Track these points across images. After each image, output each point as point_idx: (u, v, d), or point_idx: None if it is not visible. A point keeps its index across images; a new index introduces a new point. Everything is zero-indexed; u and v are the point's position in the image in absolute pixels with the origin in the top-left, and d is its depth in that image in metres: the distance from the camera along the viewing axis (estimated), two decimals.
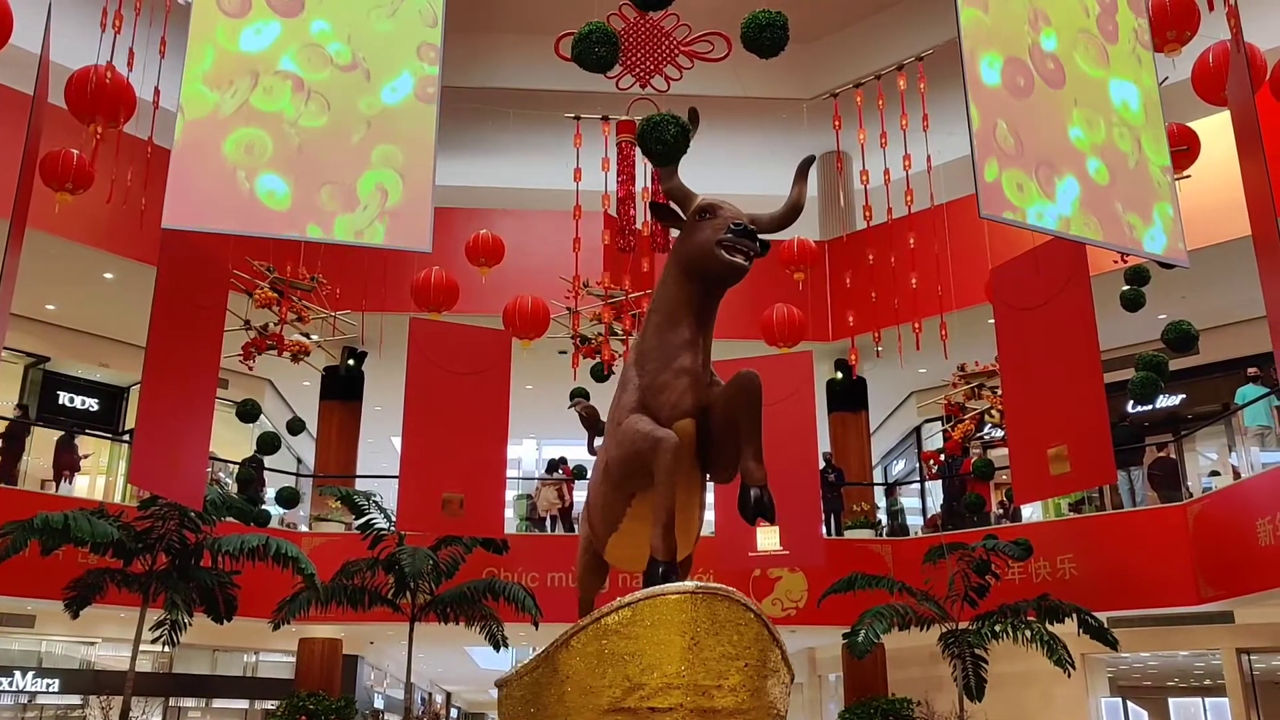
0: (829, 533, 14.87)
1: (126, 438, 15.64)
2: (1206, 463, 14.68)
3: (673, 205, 4.10)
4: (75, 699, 15.66)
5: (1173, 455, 14.05)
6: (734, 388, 3.86)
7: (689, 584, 3.46)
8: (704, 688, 3.39)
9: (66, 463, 14.38)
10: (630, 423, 3.85)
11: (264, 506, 14.68)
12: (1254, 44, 7.67)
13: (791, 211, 4.06)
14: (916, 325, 10.61)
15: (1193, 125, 9.21)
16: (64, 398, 16.96)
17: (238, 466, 14.80)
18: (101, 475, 15.79)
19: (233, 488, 14.23)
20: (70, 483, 14.27)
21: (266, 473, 15.64)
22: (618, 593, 5.12)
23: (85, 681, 15.86)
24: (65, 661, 16.36)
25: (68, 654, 16.46)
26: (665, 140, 6.91)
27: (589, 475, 4.68)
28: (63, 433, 14.92)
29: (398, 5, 6.04)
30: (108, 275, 13.98)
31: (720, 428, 3.91)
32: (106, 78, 7.60)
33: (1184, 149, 8.66)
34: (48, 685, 15.52)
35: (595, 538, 4.54)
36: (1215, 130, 9.61)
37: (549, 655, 3.85)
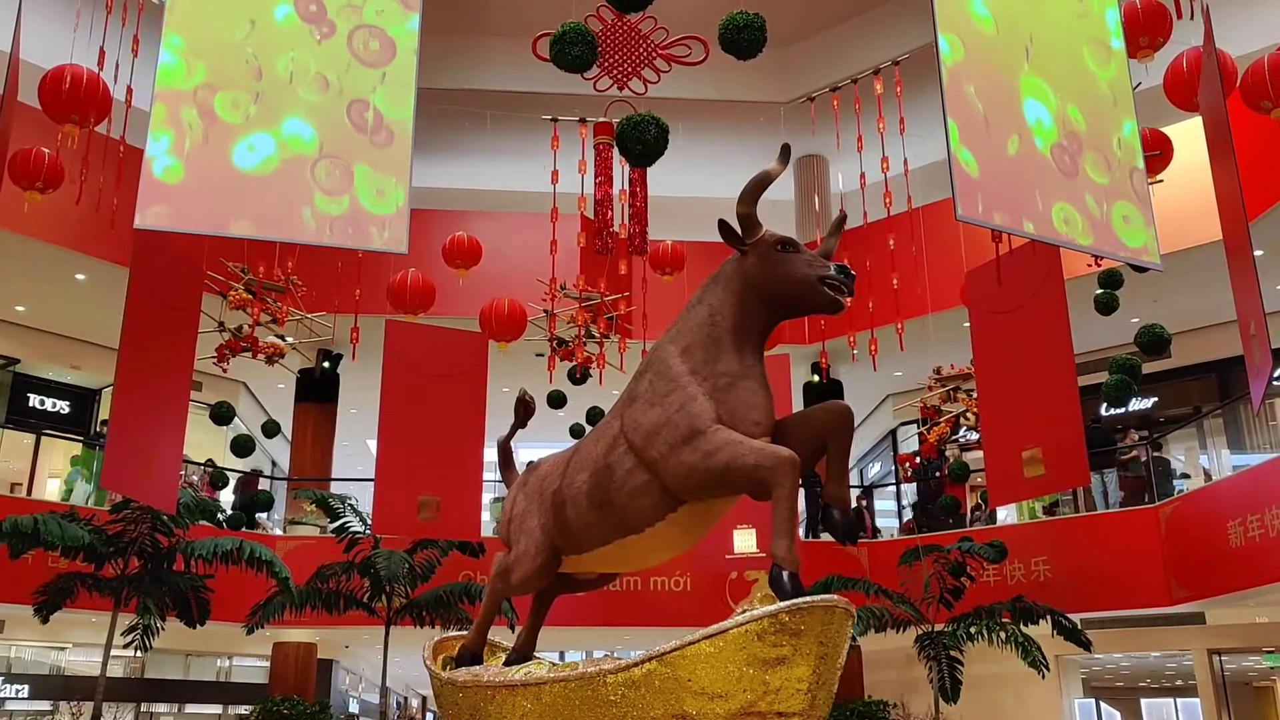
0: (805, 535, 14.91)
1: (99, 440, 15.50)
2: (1178, 465, 14.83)
3: (734, 226, 4.20)
4: (45, 705, 15.49)
5: (1164, 456, 14.18)
6: (830, 414, 4.07)
7: (834, 597, 3.67)
8: (817, 696, 3.65)
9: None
10: (726, 434, 3.91)
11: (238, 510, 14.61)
12: (1225, 50, 7.75)
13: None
14: (900, 327, 10.66)
15: (1165, 130, 9.30)
16: (34, 400, 16.78)
17: (208, 469, 14.68)
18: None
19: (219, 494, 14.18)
20: None
21: (243, 475, 15.55)
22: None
23: (55, 687, 15.67)
24: (35, 667, 16.18)
25: (37, 659, 16.28)
26: (646, 140, 6.94)
27: (575, 477, 4.52)
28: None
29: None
30: (79, 276, 13.83)
31: (796, 449, 3.98)
32: (84, 79, 7.53)
33: (1157, 154, 8.75)
34: (17, 691, 15.34)
35: (581, 539, 4.44)
36: (1188, 135, 9.70)
37: (658, 660, 3.82)
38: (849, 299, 4.07)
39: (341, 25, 5.91)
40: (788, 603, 3.61)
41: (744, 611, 3.67)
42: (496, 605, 5.07)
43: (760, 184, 4.14)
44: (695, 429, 3.96)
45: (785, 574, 3.73)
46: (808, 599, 3.62)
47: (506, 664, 4.89)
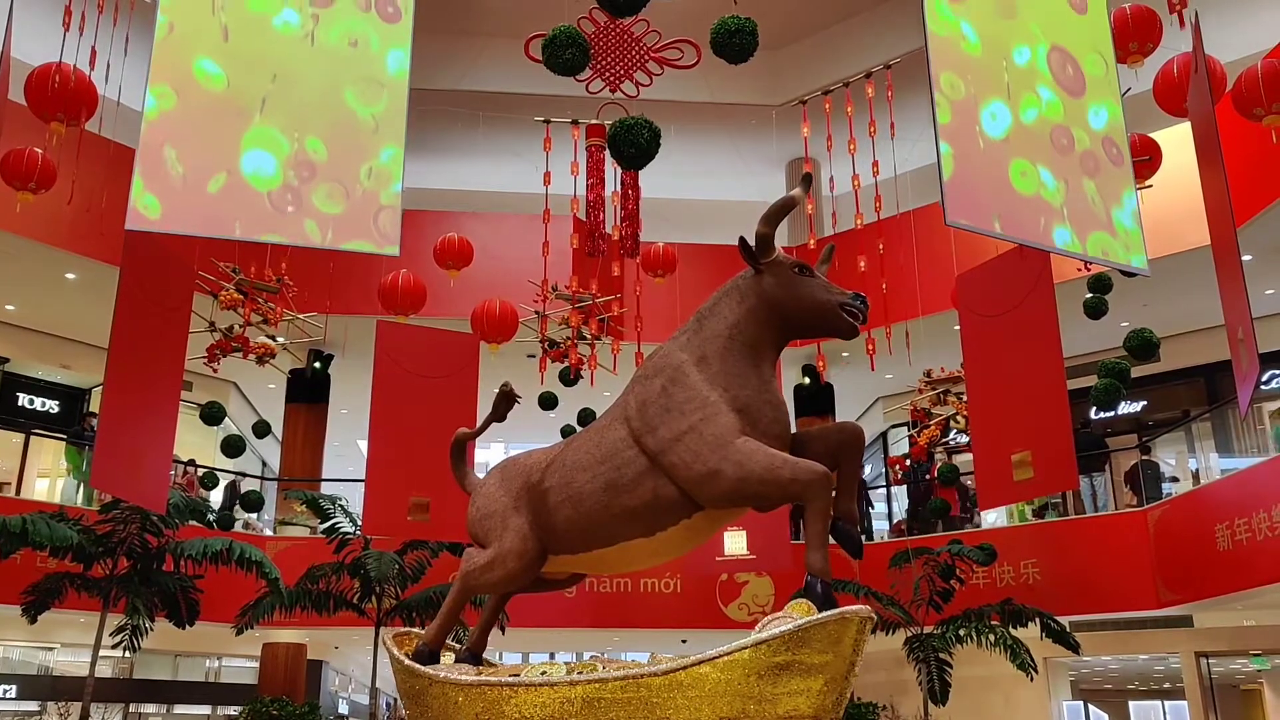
0: (795, 537, 14.92)
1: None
2: (1166, 468, 14.89)
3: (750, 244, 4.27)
4: (33, 705, 15.40)
5: (1154, 459, 14.25)
6: (844, 433, 4.20)
7: (865, 607, 3.77)
8: (842, 698, 3.78)
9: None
10: (756, 445, 3.98)
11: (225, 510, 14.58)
12: (1214, 57, 7.79)
13: None
14: (888, 331, 10.69)
15: (1154, 136, 9.34)
16: (23, 399, 16.73)
17: (189, 468, 14.63)
18: (61, 478, 15.56)
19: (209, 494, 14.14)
20: None
21: (231, 476, 15.51)
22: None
23: (43, 687, 15.60)
24: (23, 667, 16.11)
25: (25, 659, 16.21)
26: (639, 144, 6.94)
27: (574, 477, 4.42)
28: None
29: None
30: (70, 275, 13.79)
31: None
32: (71, 77, 7.52)
33: (1146, 159, 8.80)
34: (4, 691, 15.26)
35: (580, 539, 4.40)
36: (1176, 141, 9.75)
37: (709, 664, 3.82)
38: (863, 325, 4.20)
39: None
40: (835, 611, 3.72)
41: (794, 617, 3.74)
42: (465, 602, 4.91)
43: (783, 208, 4.23)
44: (725, 439, 3.99)
45: (820, 584, 3.87)
46: (850, 608, 3.74)
47: (459, 662, 4.82)
